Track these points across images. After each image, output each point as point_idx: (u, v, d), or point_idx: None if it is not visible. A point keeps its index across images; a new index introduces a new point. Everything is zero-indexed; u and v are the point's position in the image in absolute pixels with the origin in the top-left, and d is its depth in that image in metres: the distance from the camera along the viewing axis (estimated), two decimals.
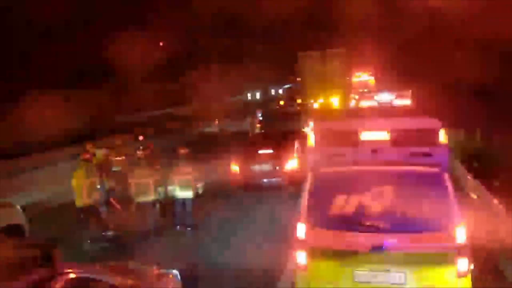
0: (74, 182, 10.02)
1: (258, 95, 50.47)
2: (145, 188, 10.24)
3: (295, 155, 13.84)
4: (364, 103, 33.32)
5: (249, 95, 49.56)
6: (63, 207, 12.87)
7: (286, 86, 50.55)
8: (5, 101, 20.77)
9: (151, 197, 10.31)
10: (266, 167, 13.68)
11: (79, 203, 9.96)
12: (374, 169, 6.04)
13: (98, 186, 10.21)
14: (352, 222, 5.68)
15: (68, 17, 25.40)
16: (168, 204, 10.86)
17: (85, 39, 26.71)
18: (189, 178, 10.39)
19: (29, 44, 24.27)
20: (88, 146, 11.39)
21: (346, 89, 33.10)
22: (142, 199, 10.33)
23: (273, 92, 55.27)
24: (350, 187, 5.86)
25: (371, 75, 48.57)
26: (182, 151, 10.80)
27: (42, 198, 13.87)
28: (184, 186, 10.38)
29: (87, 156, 10.40)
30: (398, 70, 36.48)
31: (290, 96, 41.38)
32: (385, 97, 33.79)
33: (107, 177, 11.50)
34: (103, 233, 10.15)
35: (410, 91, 32.22)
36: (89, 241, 9.86)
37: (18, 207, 9.48)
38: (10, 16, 23.56)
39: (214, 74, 33.58)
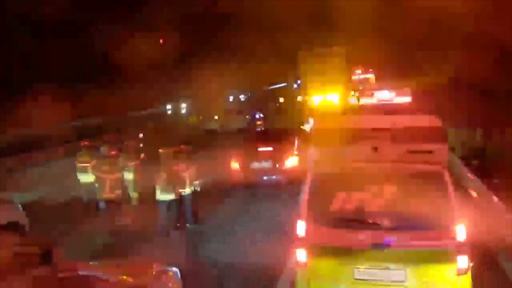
0: (96, 176, 10.34)
1: (183, 107, 36.66)
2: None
3: (295, 152, 13.85)
4: (364, 101, 33.35)
5: (168, 107, 35.44)
6: (67, 203, 12.92)
7: (279, 85, 49.55)
8: (4, 99, 20.78)
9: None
10: (266, 164, 13.70)
11: (101, 196, 10.24)
12: (374, 166, 6.04)
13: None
14: (352, 220, 5.68)
15: (67, 14, 25.38)
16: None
17: (83, 36, 26.68)
18: (185, 175, 10.37)
19: (27, 41, 24.26)
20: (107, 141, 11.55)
21: (346, 87, 33.14)
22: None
23: (231, 98, 43.71)
24: (350, 185, 5.85)
25: (371, 72, 48.59)
26: (180, 148, 10.79)
27: (44, 195, 13.87)
28: (180, 184, 10.36)
29: (113, 152, 10.61)
30: (399, 68, 36.46)
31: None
32: (385, 95, 33.81)
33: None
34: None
35: (410, 89, 32.24)
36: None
37: (18, 204, 9.47)
38: (10, 13, 23.54)
39: (210, 72, 33.49)
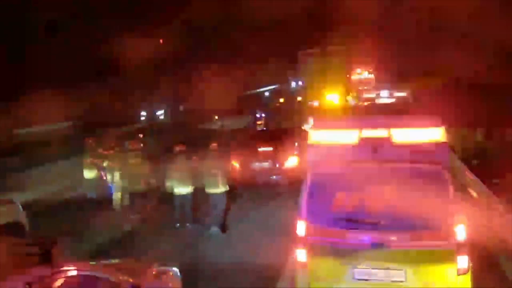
0: (128, 169, 11.06)
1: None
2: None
3: (295, 152, 13.84)
4: (364, 101, 33.35)
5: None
6: (68, 201, 12.99)
7: (278, 85, 49.05)
8: (4, 99, 20.77)
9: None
10: (266, 164, 13.69)
11: (132, 189, 10.99)
12: (374, 166, 6.03)
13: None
14: (352, 220, 5.67)
15: (67, 13, 25.40)
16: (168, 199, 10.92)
17: (83, 35, 26.66)
18: (187, 174, 10.38)
19: (27, 41, 24.28)
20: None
21: (346, 87, 33.13)
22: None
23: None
24: (350, 185, 5.85)
25: (371, 72, 48.51)
26: (179, 148, 10.81)
27: (45, 195, 13.85)
28: (181, 182, 10.37)
29: (136, 146, 11.47)
30: (398, 68, 36.47)
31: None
32: (385, 95, 33.84)
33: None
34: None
35: (410, 88, 32.24)
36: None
37: (19, 204, 9.46)
38: (10, 13, 23.54)
39: (210, 72, 33.45)
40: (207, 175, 10.16)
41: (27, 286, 4.13)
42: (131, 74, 29.10)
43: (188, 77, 34.57)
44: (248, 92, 47.10)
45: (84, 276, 4.62)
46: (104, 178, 12.24)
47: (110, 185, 11.93)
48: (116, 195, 11.79)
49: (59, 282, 4.33)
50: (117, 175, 11.56)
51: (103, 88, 26.03)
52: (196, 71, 34.40)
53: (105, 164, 12.28)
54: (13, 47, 23.54)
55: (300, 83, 39.80)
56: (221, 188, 10.12)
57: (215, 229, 10.02)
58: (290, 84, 46.67)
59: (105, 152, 12.49)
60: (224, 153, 11.32)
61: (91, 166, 12.49)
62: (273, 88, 48.90)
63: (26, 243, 5.04)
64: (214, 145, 10.62)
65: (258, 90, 48.21)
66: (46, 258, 4.35)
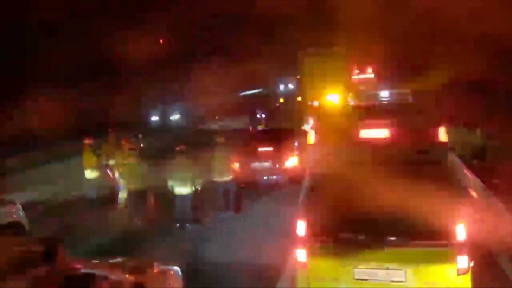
0: (126, 169, 11.03)
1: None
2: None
3: (295, 152, 13.85)
4: (365, 101, 33.27)
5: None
6: (69, 201, 13.01)
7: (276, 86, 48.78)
8: (4, 99, 20.79)
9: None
10: (266, 164, 13.70)
11: (129, 187, 11.02)
12: (374, 166, 6.04)
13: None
14: (352, 220, 5.68)
15: (66, 12, 25.41)
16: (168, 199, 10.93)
17: (83, 35, 26.65)
18: (187, 174, 10.39)
19: (27, 41, 24.28)
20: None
21: (346, 87, 33.08)
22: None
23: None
24: (350, 185, 5.86)
25: (371, 73, 48.48)
26: (179, 148, 10.83)
27: (45, 195, 13.87)
28: (182, 182, 10.38)
29: (134, 145, 11.40)
30: (399, 68, 36.44)
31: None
32: (386, 95, 33.74)
33: None
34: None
35: (411, 89, 32.19)
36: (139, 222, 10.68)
37: (18, 204, 9.47)
38: (10, 12, 23.54)
39: (209, 72, 33.43)
40: (216, 164, 10.92)
41: (27, 286, 4.14)
42: (130, 74, 29.12)
43: (187, 77, 34.57)
44: (248, 92, 47.17)
45: (86, 274, 4.63)
46: (112, 177, 12.21)
47: (120, 185, 11.85)
48: (123, 195, 11.73)
49: (60, 281, 4.34)
50: (122, 174, 11.54)
51: (103, 88, 26.04)
52: (196, 71, 34.39)
53: (111, 163, 12.28)
54: (13, 47, 23.52)
55: (290, 85, 39.84)
56: (229, 176, 11.02)
57: (231, 213, 11.00)
58: (279, 86, 46.77)
59: (110, 152, 12.49)
60: (230, 146, 12.03)
61: (93, 166, 12.44)
62: (273, 88, 48.94)
63: (30, 241, 5.04)
64: (221, 138, 11.33)
65: (257, 90, 48.25)
66: (48, 257, 4.35)
